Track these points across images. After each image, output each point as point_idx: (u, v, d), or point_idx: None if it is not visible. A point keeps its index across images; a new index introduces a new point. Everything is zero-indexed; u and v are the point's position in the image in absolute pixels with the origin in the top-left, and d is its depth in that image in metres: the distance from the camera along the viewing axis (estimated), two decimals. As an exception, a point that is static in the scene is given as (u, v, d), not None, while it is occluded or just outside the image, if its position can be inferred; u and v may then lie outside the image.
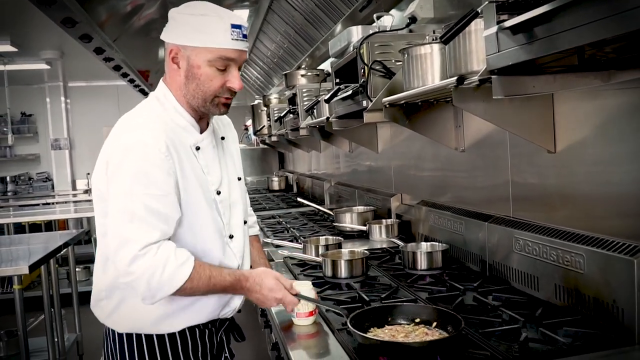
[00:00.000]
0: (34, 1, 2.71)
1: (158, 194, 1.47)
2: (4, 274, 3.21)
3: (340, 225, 3.16)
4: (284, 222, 3.73)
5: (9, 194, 9.27)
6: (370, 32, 2.24)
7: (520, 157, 1.92)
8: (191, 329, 1.62)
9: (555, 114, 1.69)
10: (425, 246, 2.28)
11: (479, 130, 2.14)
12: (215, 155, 1.67)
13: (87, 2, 2.99)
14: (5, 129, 8.94)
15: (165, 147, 1.48)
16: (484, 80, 1.32)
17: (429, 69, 1.74)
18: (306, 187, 5.45)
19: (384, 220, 2.99)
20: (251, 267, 1.80)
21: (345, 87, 2.40)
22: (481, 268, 2.09)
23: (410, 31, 2.37)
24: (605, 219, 1.54)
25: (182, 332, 1.61)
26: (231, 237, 1.68)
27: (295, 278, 2.18)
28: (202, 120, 1.65)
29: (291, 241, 2.94)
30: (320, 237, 2.70)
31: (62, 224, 7.98)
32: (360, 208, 3.35)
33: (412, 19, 2.27)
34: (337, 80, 2.55)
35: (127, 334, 1.60)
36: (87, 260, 6.00)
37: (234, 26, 1.49)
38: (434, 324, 1.51)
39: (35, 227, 6.83)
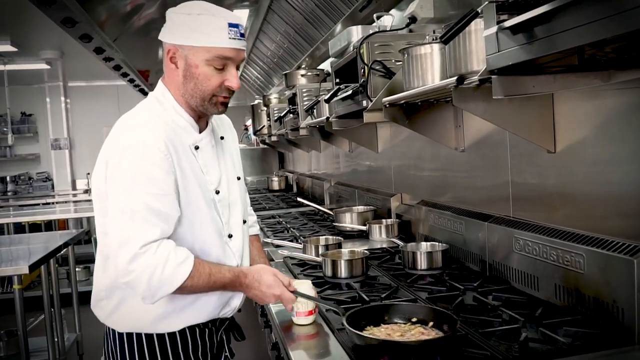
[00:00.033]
0: (34, 1, 2.71)
1: (158, 193, 1.47)
2: (4, 273, 3.21)
3: (340, 225, 3.15)
4: (284, 222, 3.73)
5: (9, 193, 9.28)
6: (370, 32, 2.24)
7: (520, 157, 1.92)
8: (191, 328, 1.63)
9: (555, 114, 1.69)
10: (425, 246, 2.28)
11: (479, 130, 2.14)
12: (214, 155, 1.67)
13: (87, 2, 2.99)
14: (5, 129, 8.94)
15: (165, 147, 1.49)
16: (484, 80, 1.32)
17: (429, 69, 1.74)
18: (306, 187, 5.45)
19: (384, 220, 2.99)
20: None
21: (345, 87, 2.40)
22: (481, 268, 2.09)
23: (410, 31, 2.37)
24: (605, 219, 1.54)
25: (182, 332, 1.61)
26: (230, 236, 1.68)
27: (295, 278, 2.18)
28: (201, 119, 1.65)
29: (291, 241, 2.94)
30: (320, 237, 2.70)
31: (62, 224, 8.00)
32: (360, 208, 3.35)
33: (412, 19, 2.27)
34: (337, 80, 2.55)
35: (127, 334, 1.60)
36: (87, 260, 6.00)
37: (231, 25, 1.49)
38: (430, 323, 1.51)
39: (35, 227, 6.84)
